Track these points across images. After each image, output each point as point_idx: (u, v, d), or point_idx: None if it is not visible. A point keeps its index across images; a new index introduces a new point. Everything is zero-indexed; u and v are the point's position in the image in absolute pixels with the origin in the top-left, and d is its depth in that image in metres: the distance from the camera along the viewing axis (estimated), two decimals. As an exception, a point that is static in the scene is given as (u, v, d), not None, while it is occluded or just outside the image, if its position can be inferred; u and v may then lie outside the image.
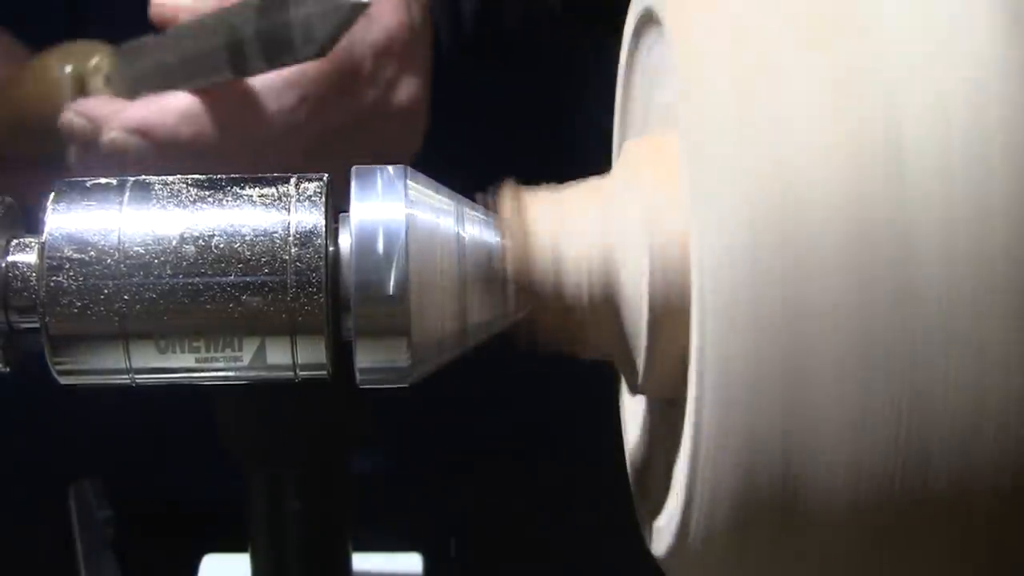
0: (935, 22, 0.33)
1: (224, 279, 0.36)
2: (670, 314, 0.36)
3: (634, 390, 0.39)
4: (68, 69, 0.61)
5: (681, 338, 0.35)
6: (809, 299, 0.32)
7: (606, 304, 0.37)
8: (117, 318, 0.36)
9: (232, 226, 0.37)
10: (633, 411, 0.45)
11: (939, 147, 0.32)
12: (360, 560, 0.50)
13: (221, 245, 0.36)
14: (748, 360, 0.33)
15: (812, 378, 0.32)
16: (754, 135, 0.33)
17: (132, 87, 0.60)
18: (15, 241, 0.38)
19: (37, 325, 0.37)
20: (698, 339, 0.33)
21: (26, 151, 0.64)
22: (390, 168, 0.37)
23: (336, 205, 0.38)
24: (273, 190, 0.37)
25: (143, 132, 0.57)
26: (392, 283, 0.36)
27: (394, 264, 0.36)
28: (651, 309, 0.36)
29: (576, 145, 0.72)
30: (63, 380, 0.37)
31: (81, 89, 0.61)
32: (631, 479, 0.43)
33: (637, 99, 0.45)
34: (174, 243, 0.36)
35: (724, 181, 0.33)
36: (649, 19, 0.40)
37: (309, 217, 0.37)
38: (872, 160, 0.32)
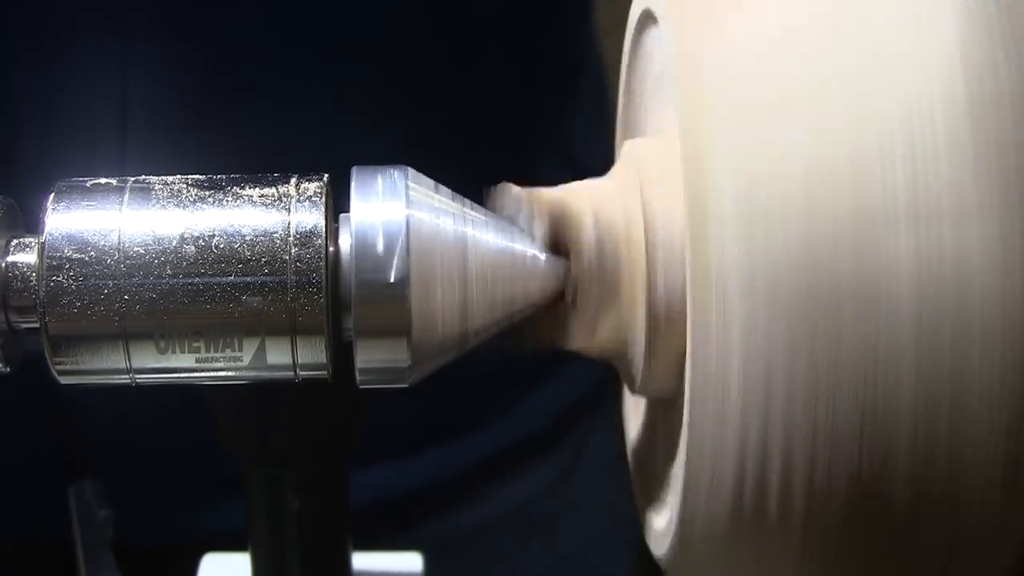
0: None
1: (224, 279, 0.36)
2: (668, 316, 0.36)
3: (633, 391, 0.39)
4: None
5: (679, 340, 0.35)
6: (801, 302, 0.32)
7: (608, 309, 0.37)
8: (117, 318, 0.36)
9: (232, 226, 0.37)
10: (634, 412, 0.45)
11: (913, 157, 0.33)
12: (360, 560, 0.50)
13: (221, 245, 0.36)
14: (742, 362, 0.33)
15: (804, 378, 0.33)
16: (751, 141, 0.33)
17: None
18: (15, 241, 0.38)
19: (37, 325, 0.37)
20: (694, 341, 0.33)
21: None
22: (390, 168, 0.37)
23: (336, 205, 0.38)
24: (273, 190, 0.37)
25: None
26: (392, 283, 0.36)
27: (394, 264, 0.36)
28: (649, 311, 0.36)
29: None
30: (63, 380, 0.37)
31: None
32: (633, 480, 0.43)
33: (638, 100, 0.45)
34: (174, 243, 0.36)
35: (720, 184, 0.33)
36: (648, 20, 0.40)
37: (309, 217, 0.37)
38: (864, 166, 0.33)
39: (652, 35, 0.41)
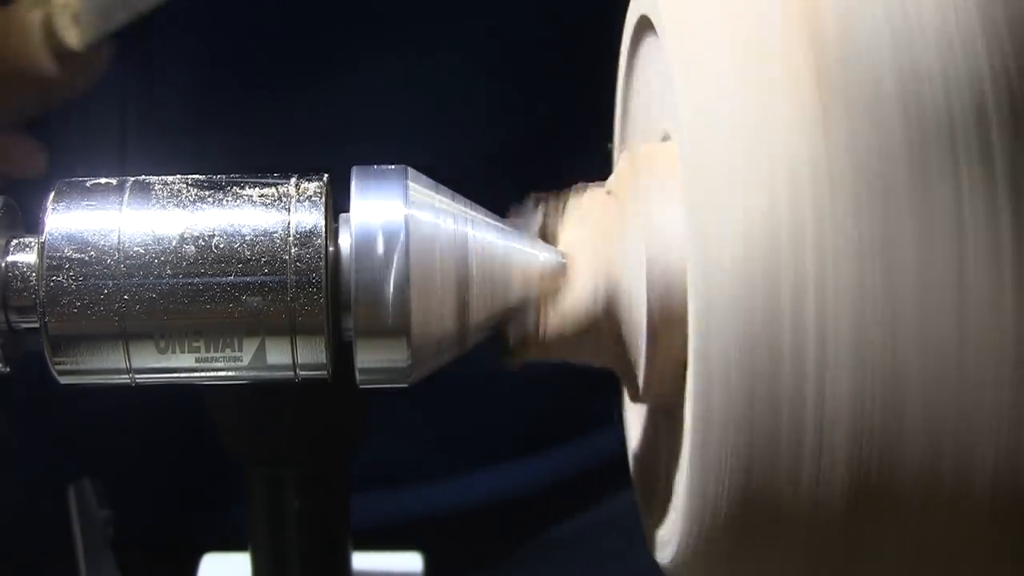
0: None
1: (224, 279, 0.36)
2: (668, 324, 0.36)
3: (634, 399, 0.39)
4: (37, 13, 0.60)
5: (679, 348, 0.35)
6: (801, 311, 0.32)
7: (607, 313, 0.37)
8: (117, 318, 0.36)
9: (232, 226, 0.37)
10: (635, 420, 0.45)
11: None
12: (360, 560, 0.50)
13: (221, 245, 0.36)
14: (743, 370, 0.33)
15: (805, 386, 0.32)
16: (751, 147, 0.33)
17: (99, 23, 0.60)
18: (15, 241, 0.38)
19: (37, 325, 0.37)
20: (695, 349, 0.33)
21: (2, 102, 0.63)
22: (390, 168, 0.37)
23: (336, 205, 0.38)
24: (273, 190, 0.37)
25: None
26: (392, 283, 0.36)
27: (394, 264, 0.36)
28: (650, 319, 0.36)
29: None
30: (63, 380, 0.37)
31: (50, 31, 0.60)
32: (636, 488, 0.43)
33: (636, 106, 0.44)
34: (174, 243, 0.36)
35: (720, 192, 0.33)
36: (646, 26, 0.40)
37: (309, 217, 0.37)
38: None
39: (649, 41, 0.41)
